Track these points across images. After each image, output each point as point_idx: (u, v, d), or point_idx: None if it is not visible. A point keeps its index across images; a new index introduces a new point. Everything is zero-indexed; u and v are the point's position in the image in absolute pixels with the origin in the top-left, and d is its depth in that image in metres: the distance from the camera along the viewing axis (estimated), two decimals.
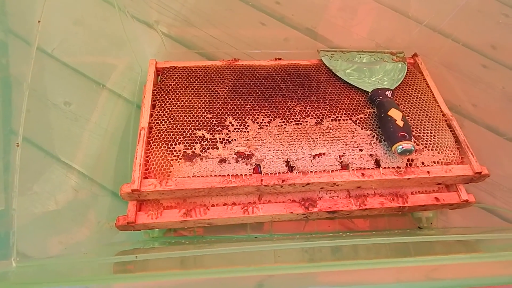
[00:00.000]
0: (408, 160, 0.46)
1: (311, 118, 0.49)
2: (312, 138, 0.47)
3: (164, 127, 0.47)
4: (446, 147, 0.48)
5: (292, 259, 0.37)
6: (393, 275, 0.28)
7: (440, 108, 0.53)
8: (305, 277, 0.28)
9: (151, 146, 0.46)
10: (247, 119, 0.49)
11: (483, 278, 0.27)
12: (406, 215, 0.56)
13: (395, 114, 0.46)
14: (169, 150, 0.45)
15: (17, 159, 0.34)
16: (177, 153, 0.45)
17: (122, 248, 0.45)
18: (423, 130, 0.49)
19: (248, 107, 0.50)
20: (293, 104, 0.51)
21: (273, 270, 0.29)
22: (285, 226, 0.54)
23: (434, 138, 0.48)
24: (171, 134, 0.46)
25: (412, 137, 0.45)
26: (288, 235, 0.53)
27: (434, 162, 0.46)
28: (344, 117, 0.50)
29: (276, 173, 0.44)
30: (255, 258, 0.37)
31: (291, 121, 0.49)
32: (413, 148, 0.43)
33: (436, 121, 0.50)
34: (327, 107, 0.51)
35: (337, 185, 0.45)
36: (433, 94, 0.54)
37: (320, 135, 0.48)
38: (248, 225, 0.53)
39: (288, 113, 0.50)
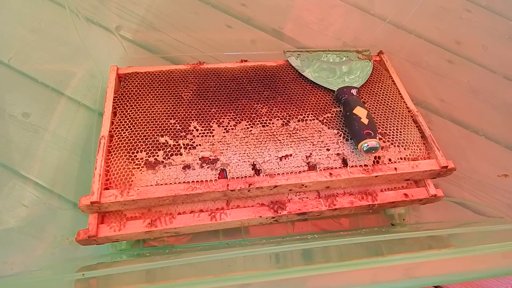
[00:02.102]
0: (375, 157, 0.46)
1: (277, 120, 0.49)
2: (279, 140, 0.46)
3: (126, 135, 0.45)
4: (412, 143, 0.48)
5: (262, 266, 0.36)
6: (369, 276, 0.27)
7: (406, 104, 0.53)
8: (277, 285, 0.26)
9: (112, 155, 0.44)
10: (212, 123, 0.47)
11: (461, 273, 0.27)
12: (379, 213, 0.56)
13: (360, 112, 0.46)
14: (130, 158, 0.43)
15: None
16: (139, 161, 0.43)
17: (85, 263, 0.43)
18: (389, 127, 0.49)
19: (213, 111, 0.49)
20: (259, 106, 0.50)
21: (243, 279, 0.27)
22: (258, 230, 0.53)
23: (400, 134, 0.48)
24: (133, 141, 0.45)
25: (378, 134, 0.45)
26: (261, 239, 0.51)
27: (401, 159, 0.46)
28: (311, 117, 0.49)
29: (242, 177, 0.43)
30: (224, 266, 0.36)
31: (257, 124, 0.48)
32: (378, 146, 0.43)
33: (402, 118, 0.50)
34: (293, 108, 0.50)
35: (306, 186, 0.45)
36: (399, 91, 0.55)
37: (287, 136, 0.47)
38: (221, 231, 0.52)
39: (254, 115, 0.49)
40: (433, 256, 0.26)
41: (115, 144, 0.45)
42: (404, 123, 0.50)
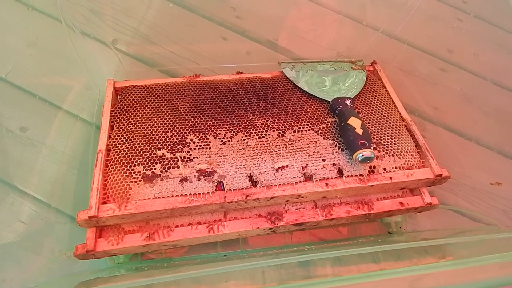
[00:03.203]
0: (370, 167, 0.46)
1: (273, 131, 0.49)
2: (275, 151, 0.47)
3: (123, 149, 0.46)
4: (407, 152, 0.48)
5: (261, 280, 0.36)
6: None
7: (399, 113, 0.54)
8: None
9: (109, 169, 0.44)
10: (209, 135, 0.48)
11: (464, 284, 0.27)
12: (375, 221, 0.56)
13: (354, 122, 0.46)
14: (128, 172, 0.44)
15: None
16: (136, 175, 0.43)
17: (83, 278, 0.43)
18: (384, 136, 0.49)
19: (210, 123, 0.49)
20: (255, 118, 0.51)
21: None
22: (256, 240, 0.53)
23: (394, 144, 0.49)
24: (130, 155, 0.45)
25: (372, 144, 0.45)
26: (258, 250, 0.52)
27: (396, 168, 0.47)
28: (306, 127, 0.50)
29: (239, 188, 0.44)
30: (221, 280, 0.36)
31: (254, 135, 0.49)
32: (373, 156, 0.43)
33: (396, 127, 0.51)
34: (289, 119, 0.51)
35: (302, 197, 0.45)
36: (392, 100, 0.55)
37: (283, 147, 0.47)
38: (219, 243, 0.52)
39: (250, 127, 0.49)
40: (436, 268, 0.26)
41: (112, 158, 0.45)
42: (398, 132, 0.50)
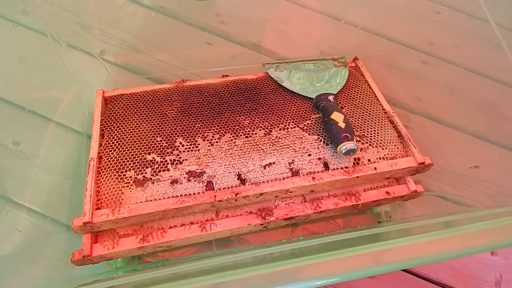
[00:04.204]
0: (355, 159, 0.48)
1: (260, 130, 0.51)
2: (262, 149, 0.48)
3: (114, 155, 0.47)
4: (390, 143, 0.50)
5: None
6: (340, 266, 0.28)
7: (382, 106, 0.55)
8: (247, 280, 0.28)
9: (102, 175, 0.45)
10: (197, 138, 0.49)
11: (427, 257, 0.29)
12: (366, 213, 0.58)
13: (337, 117, 0.48)
14: (119, 177, 0.45)
15: None
16: (128, 179, 0.45)
17: (81, 281, 0.44)
18: (367, 129, 0.51)
19: (198, 126, 0.51)
20: (242, 118, 0.52)
21: (221, 277, 0.28)
22: (251, 238, 0.54)
23: (377, 135, 0.50)
24: (121, 161, 0.46)
25: (355, 136, 0.47)
26: (252, 247, 0.53)
27: (380, 158, 0.48)
28: (292, 125, 0.51)
29: (228, 187, 0.45)
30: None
31: (241, 135, 0.50)
32: (356, 147, 0.45)
33: (378, 119, 0.52)
34: (275, 118, 0.52)
35: (291, 192, 0.46)
36: (374, 94, 0.57)
37: (270, 145, 0.49)
38: (214, 243, 0.53)
39: (237, 127, 0.51)
40: (399, 243, 0.28)
41: (104, 165, 0.46)
42: (381, 124, 0.52)
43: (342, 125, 0.47)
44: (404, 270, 0.57)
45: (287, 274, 0.26)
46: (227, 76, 0.59)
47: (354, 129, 0.50)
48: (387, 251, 0.27)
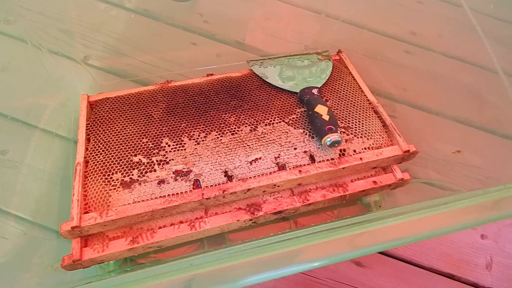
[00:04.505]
0: (340, 150, 0.48)
1: (245, 126, 0.51)
2: (248, 145, 0.49)
3: (100, 159, 0.47)
4: (375, 133, 0.50)
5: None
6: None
7: (366, 97, 0.56)
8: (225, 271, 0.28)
9: (88, 179, 0.45)
10: (183, 137, 0.49)
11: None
12: (356, 204, 0.58)
13: (321, 109, 0.48)
14: (106, 180, 0.45)
15: None
16: (115, 182, 0.45)
17: (73, 284, 0.44)
18: (352, 120, 0.51)
19: (184, 125, 0.51)
20: (228, 116, 0.52)
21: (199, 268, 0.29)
22: (242, 236, 0.55)
23: (362, 126, 0.51)
24: (108, 164, 0.46)
25: (339, 128, 0.47)
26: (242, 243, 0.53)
27: (365, 148, 0.49)
28: (277, 120, 0.52)
29: (216, 184, 0.45)
30: None
31: (227, 132, 0.50)
32: (340, 139, 0.45)
33: (363, 110, 0.53)
34: (260, 113, 0.53)
35: (278, 186, 0.47)
36: (359, 86, 0.57)
37: (256, 141, 0.49)
38: (205, 242, 0.54)
39: (223, 125, 0.51)
40: (374, 226, 0.29)
41: (90, 169, 0.46)
42: (365, 115, 0.52)
43: (326, 117, 0.47)
44: (395, 258, 0.58)
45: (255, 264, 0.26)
46: (212, 75, 0.59)
47: (339, 121, 0.51)
48: (363, 235, 0.28)
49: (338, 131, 0.46)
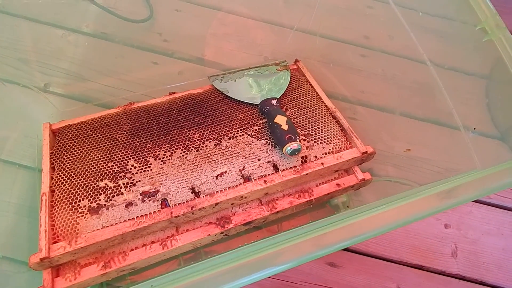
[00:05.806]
0: (302, 157, 0.50)
1: (210, 142, 0.52)
2: (213, 160, 0.50)
3: (66, 187, 0.47)
4: (334, 137, 0.53)
5: None
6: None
7: (324, 104, 0.58)
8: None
9: (55, 209, 0.45)
10: (149, 158, 0.50)
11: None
12: (325, 206, 0.60)
13: (280, 120, 0.50)
14: (74, 208, 0.45)
15: None
16: (82, 209, 0.45)
17: None
18: (311, 127, 0.53)
19: (149, 146, 0.52)
20: (192, 133, 0.53)
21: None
22: (217, 249, 0.56)
23: (321, 132, 0.53)
24: (74, 192, 0.46)
25: (298, 136, 0.49)
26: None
27: (326, 153, 0.51)
28: (241, 132, 0.53)
29: (183, 202, 0.46)
30: None
31: (192, 149, 0.51)
32: (299, 147, 0.47)
33: (321, 116, 0.55)
34: (223, 128, 0.54)
35: (245, 197, 0.48)
36: (317, 93, 0.60)
37: (220, 155, 0.50)
38: (181, 260, 0.54)
39: (187, 142, 0.52)
40: (336, 225, 0.31)
41: (57, 198, 0.46)
42: (324, 121, 0.55)
43: (285, 127, 0.49)
44: (366, 255, 0.60)
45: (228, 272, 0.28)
46: (174, 93, 0.60)
47: (298, 129, 0.53)
48: (328, 234, 0.30)
49: (298, 140, 0.48)
